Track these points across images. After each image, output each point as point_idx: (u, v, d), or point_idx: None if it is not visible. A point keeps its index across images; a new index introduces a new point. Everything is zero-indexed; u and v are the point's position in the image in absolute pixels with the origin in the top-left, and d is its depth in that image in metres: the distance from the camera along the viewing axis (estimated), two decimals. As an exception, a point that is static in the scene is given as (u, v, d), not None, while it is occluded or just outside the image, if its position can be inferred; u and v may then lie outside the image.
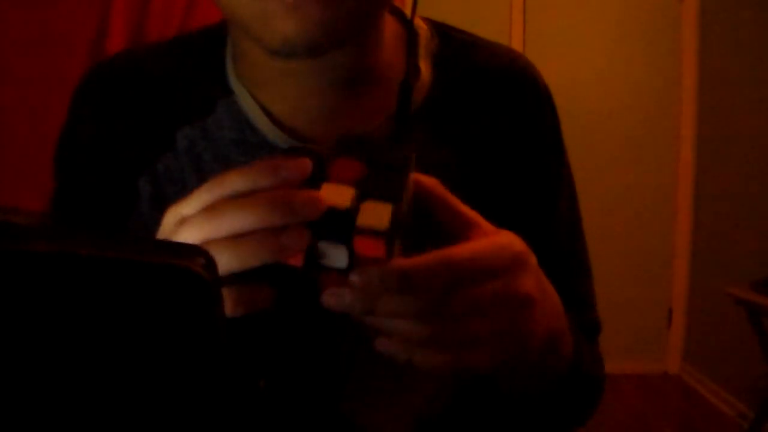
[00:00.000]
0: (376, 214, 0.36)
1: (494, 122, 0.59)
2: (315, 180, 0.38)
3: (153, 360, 0.26)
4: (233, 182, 0.37)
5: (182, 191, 0.56)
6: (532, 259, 0.42)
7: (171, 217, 0.39)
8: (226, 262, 0.36)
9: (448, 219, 0.41)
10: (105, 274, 0.24)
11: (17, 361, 0.25)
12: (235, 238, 0.36)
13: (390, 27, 0.58)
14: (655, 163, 3.40)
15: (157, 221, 0.41)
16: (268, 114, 0.56)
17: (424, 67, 0.59)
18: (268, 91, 0.56)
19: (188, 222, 0.37)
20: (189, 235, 0.37)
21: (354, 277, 0.35)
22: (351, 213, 0.36)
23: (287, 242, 0.35)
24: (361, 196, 0.37)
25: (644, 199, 3.41)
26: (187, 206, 0.38)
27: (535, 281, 0.41)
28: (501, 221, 0.43)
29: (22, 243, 0.23)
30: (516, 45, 3.18)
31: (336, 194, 0.37)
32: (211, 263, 0.25)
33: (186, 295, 0.25)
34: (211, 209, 0.37)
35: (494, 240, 0.40)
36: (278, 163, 0.37)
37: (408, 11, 0.59)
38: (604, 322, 0.66)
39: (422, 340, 0.38)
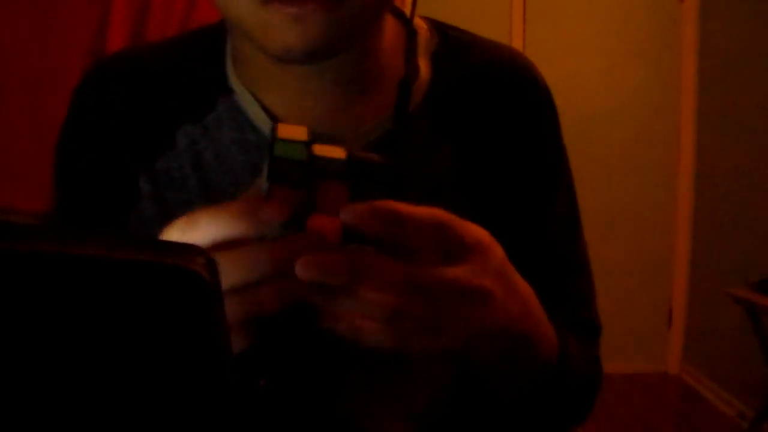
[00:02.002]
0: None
1: (493, 121, 0.59)
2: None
3: (153, 360, 0.26)
4: (208, 233, 0.37)
5: (182, 190, 0.56)
6: (498, 252, 0.43)
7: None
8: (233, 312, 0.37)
9: (450, 242, 0.41)
10: (105, 274, 0.24)
11: (17, 362, 0.25)
12: (238, 293, 0.37)
13: (390, 26, 0.58)
14: (655, 164, 3.40)
15: (157, 220, 0.41)
16: (269, 113, 0.56)
17: (424, 66, 0.59)
18: (268, 91, 0.56)
19: None
20: None
21: (350, 211, 0.37)
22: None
23: (262, 298, 0.37)
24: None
25: (644, 199, 3.41)
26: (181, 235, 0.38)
27: (496, 274, 0.42)
28: (499, 220, 0.43)
29: (22, 243, 0.23)
30: (516, 45, 3.18)
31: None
32: (211, 263, 0.25)
33: (186, 295, 0.25)
34: None
35: (463, 222, 0.40)
36: (257, 206, 0.37)
37: (408, 11, 0.59)
38: (604, 322, 0.66)
39: (377, 314, 0.38)
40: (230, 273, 0.36)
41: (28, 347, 0.25)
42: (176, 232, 0.38)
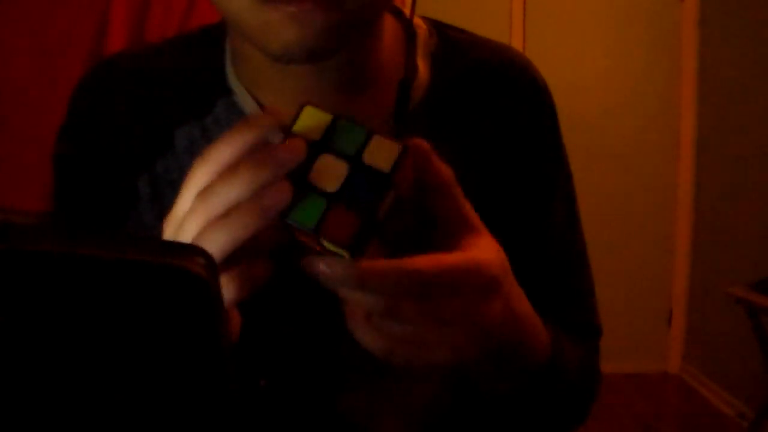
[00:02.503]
0: (362, 193, 0.37)
1: (493, 121, 0.59)
2: (319, 144, 0.38)
3: (153, 360, 0.26)
4: (216, 158, 0.38)
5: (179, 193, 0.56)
6: (505, 282, 0.42)
7: (170, 225, 0.39)
8: (223, 241, 0.36)
9: (448, 215, 0.41)
10: (105, 274, 0.24)
11: (17, 360, 0.25)
12: (226, 216, 0.36)
13: (389, 26, 0.58)
14: (655, 163, 3.40)
15: (156, 221, 0.41)
16: (268, 113, 0.56)
17: (423, 65, 0.59)
18: (267, 90, 0.56)
19: (186, 219, 0.37)
20: (189, 230, 0.37)
21: (321, 266, 0.36)
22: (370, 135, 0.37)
23: (268, 202, 0.36)
24: (354, 168, 0.38)
25: (644, 199, 3.41)
26: (181, 204, 0.39)
27: (500, 308, 0.41)
28: (498, 220, 0.43)
29: (22, 243, 0.23)
30: (516, 45, 3.18)
31: (328, 171, 0.37)
32: (211, 263, 0.25)
33: (186, 295, 0.25)
34: (201, 195, 0.37)
35: (469, 258, 0.39)
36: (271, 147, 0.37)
37: (407, 11, 0.59)
38: (604, 322, 0.66)
39: (377, 309, 0.38)
40: (222, 193, 0.36)
41: (29, 345, 0.25)
42: (192, 185, 0.38)
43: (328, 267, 0.36)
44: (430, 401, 0.57)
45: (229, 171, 0.37)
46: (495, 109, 0.59)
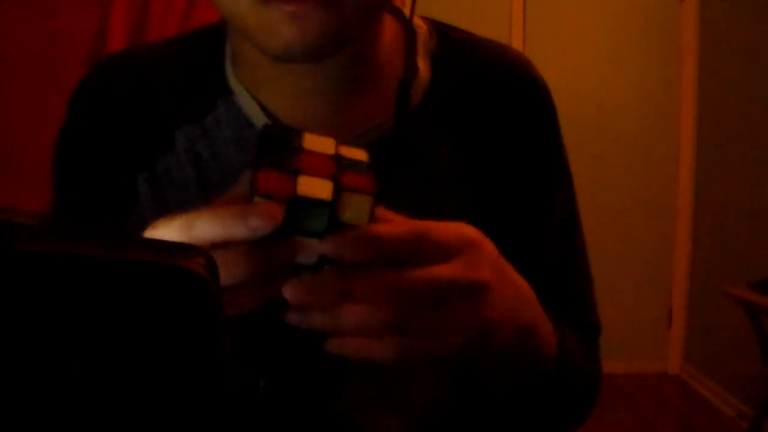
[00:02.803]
0: (357, 208, 0.37)
1: (493, 121, 0.59)
2: (289, 168, 0.38)
3: (153, 360, 0.26)
4: (202, 232, 0.37)
5: (181, 191, 0.56)
6: (488, 246, 0.42)
7: None
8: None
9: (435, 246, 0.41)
10: (105, 275, 0.24)
11: (17, 361, 0.25)
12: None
13: (389, 26, 0.58)
14: (655, 164, 3.40)
15: (156, 221, 0.41)
16: (268, 113, 0.56)
17: (423, 65, 0.59)
18: (267, 91, 0.56)
19: None
20: None
21: (329, 242, 0.36)
22: (333, 204, 0.37)
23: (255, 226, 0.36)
24: (338, 190, 0.37)
25: (644, 199, 3.41)
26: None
27: (490, 268, 0.42)
28: (498, 220, 0.43)
29: (22, 243, 0.23)
30: (516, 45, 3.18)
31: (315, 186, 0.37)
32: (211, 263, 0.25)
33: (186, 296, 0.25)
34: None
35: (446, 224, 0.40)
36: (246, 211, 0.36)
37: (407, 11, 0.59)
38: (604, 322, 0.66)
39: (378, 331, 0.38)
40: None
41: (28, 346, 0.25)
42: (174, 232, 0.38)
43: (338, 240, 0.37)
44: (430, 401, 0.57)
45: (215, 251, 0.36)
46: (495, 110, 0.59)
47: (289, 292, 0.37)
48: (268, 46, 0.47)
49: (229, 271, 0.36)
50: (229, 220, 0.36)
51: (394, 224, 0.38)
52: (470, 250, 0.41)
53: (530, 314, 0.47)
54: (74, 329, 0.25)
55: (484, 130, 0.58)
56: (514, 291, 0.45)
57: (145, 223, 0.56)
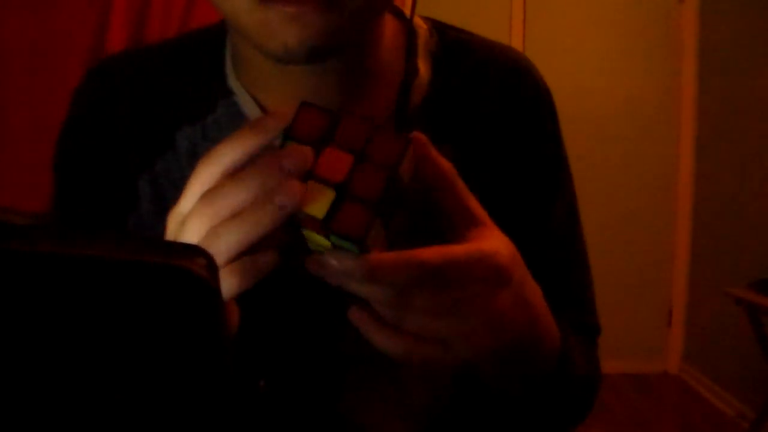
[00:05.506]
0: (369, 184, 0.37)
1: (493, 121, 0.59)
2: (321, 140, 0.38)
3: (153, 360, 0.26)
4: (221, 161, 0.38)
5: (182, 191, 0.56)
6: (515, 273, 0.42)
7: (173, 221, 0.40)
8: (235, 240, 0.37)
9: (452, 209, 0.41)
10: (105, 275, 0.24)
11: (17, 362, 0.25)
12: (237, 216, 0.37)
13: (389, 26, 0.58)
14: (655, 164, 3.40)
15: (157, 221, 0.41)
16: (268, 114, 0.56)
17: (424, 66, 0.59)
18: (267, 92, 0.56)
19: (190, 217, 0.38)
20: (194, 229, 0.37)
21: (331, 261, 0.37)
22: (342, 186, 0.37)
23: (283, 200, 0.36)
24: (358, 160, 0.38)
25: (644, 199, 3.41)
26: (185, 202, 0.39)
27: (511, 299, 0.41)
28: (498, 220, 0.43)
29: (22, 243, 0.23)
30: (516, 45, 3.18)
31: (334, 163, 0.37)
32: (211, 263, 0.25)
33: (186, 296, 0.25)
34: (207, 196, 0.38)
35: (477, 248, 0.40)
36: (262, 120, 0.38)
37: (408, 11, 0.59)
38: (604, 322, 0.66)
39: (386, 320, 0.39)
40: (230, 195, 0.37)
41: (28, 346, 0.25)
42: (196, 183, 0.39)
43: (339, 261, 0.36)
44: (430, 401, 0.57)
45: (235, 174, 0.37)
46: (496, 110, 0.59)
47: (331, 260, 0.37)
48: (268, 47, 0.47)
49: (244, 186, 0.37)
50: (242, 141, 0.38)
51: (394, 253, 0.38)
52: (495, 280, 0.40)
53: (540, 312, 0.47)
54: (74, 329, 0.25)
55: (484, 131, 0.58)
56: (530, 285, 0.45)
57: (146, 224, 0.56)
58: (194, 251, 0.25)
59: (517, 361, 0.47)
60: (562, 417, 0.59)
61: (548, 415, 0.56)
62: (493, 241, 0.41)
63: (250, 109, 0.56)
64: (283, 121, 0.38)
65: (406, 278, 0.37)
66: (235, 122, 0.56)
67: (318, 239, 0.38)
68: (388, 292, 0.38)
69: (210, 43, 0.59)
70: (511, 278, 0.41)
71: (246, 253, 0.38)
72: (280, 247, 0.40)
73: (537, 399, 0.52)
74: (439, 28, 0.62)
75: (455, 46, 0.61)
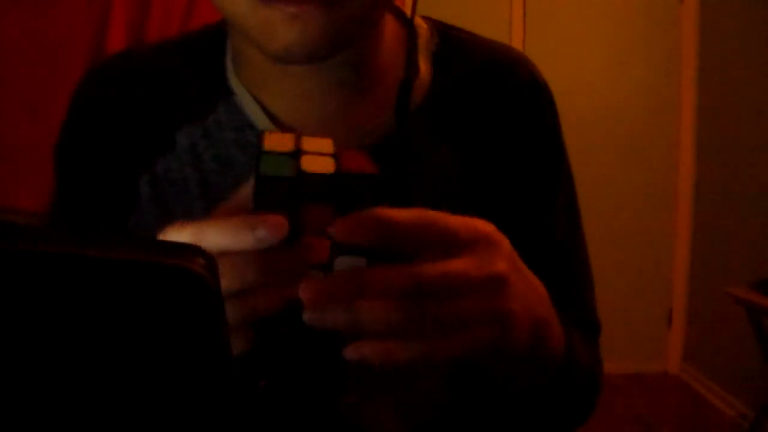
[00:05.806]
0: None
1: (494, 120, 0.59)
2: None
3: (153, 360, 0.26)
4: (212, 241, 0.37)
5: (182, 192, 0.56)
6: (504, 241, 0.42)
7: None
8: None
9: (440, 239, 0.40)
10: (105, 275, 0.24)
11: (18, 361, 0.25)
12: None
13: (390, 26, 0.58)
14: (655, 163, 3.40)
15: (157, 221, 0.41)
16: (269, 114, 0.56)
17: (424, 65, 0.59)
18: (268, 92, 0.56)
19: None
20: None
21: (337, 225, 0.36)
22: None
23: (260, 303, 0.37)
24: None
25: (644, 199, 3.41)
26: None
27: (507, 261, 0.41)
28: (499, 220, 0.43)
29: (22, 243, 0.23)
30: (516, 45, 3.18)
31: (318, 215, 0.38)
32: (211, 263, 0.25)
33: (186, 296, 0.25)
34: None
35: (457, 216, 0.39)
36: (255, 222, 0.36)
37: (408, 11, 0.59)
38: (604, 321, 0.66)
39: (397, 329, 0.37)
40: (229, 277, 0.36)
41: (28, 346, 0.25)
42: (185, 240, 0.38)
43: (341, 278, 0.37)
44: (431, 401, 0.57)
45: (228, 257, 0.36)
46: (496, 109, 0.59)
47: (304, 291, 0.36)
48: (269, 47, 0.47)
49: (240, 275, 0.36)
50: (237, 230, 0.36)
51: (402, 210, 0.37)
52: (484, 243, 0.40)
53: (543, 309, 0.47)
54: (74, 329, 0.25)
55: (485, 130, 0.58)
56: (529, 285, 0.45)
57: (146, 224, 0.56)
58: (194, 251, 0.25)
59: (526, 359, 0.46)
60: (565, 415, 0.59)
61: (551, 413, 0.56)
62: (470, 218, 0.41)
63: (251, 109, 0.56)
64: (280, 234, 0.36)
65: (422, 228, 0.37)
66: (235, 122, 0.56)
67: None
68: (406, 309, 0.37)
69: (210, 43, 0.59)
70: (500, 241, 0.41)
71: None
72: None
73: (541, 397, 0.52)
74: (439, 28, 0.62)
75: (456, 46, 0.61)
